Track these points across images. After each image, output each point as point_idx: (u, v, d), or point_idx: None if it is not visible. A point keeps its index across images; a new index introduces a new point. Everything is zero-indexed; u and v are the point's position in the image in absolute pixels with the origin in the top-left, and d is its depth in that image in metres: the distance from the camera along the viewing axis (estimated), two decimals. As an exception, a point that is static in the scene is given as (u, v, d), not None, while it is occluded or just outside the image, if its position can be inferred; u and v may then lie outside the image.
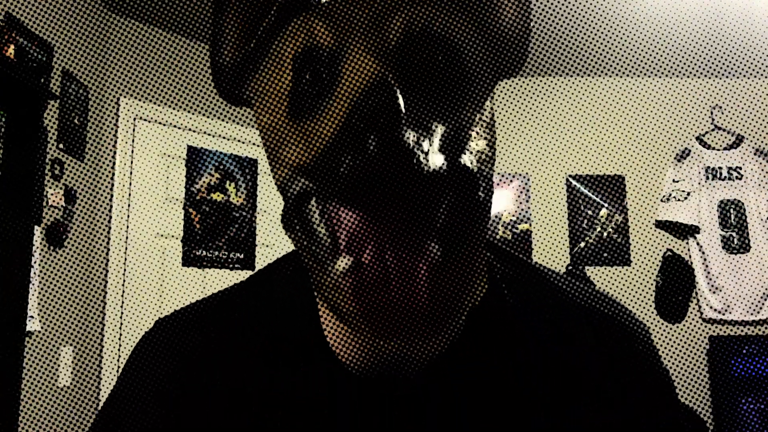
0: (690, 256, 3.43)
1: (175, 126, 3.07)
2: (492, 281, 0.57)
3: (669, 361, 3.32)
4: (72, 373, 2.53)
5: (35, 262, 2.22)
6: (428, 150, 0.42)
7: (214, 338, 0.56)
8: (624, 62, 3.41)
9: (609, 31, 3.01)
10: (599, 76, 3.57)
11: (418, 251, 0.44)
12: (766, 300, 3.35)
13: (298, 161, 0.47)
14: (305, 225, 0.47)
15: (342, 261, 0.44)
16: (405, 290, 0.43)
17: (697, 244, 3.42)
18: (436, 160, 0.43)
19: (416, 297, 0.43)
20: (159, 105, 3.01)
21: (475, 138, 0.48)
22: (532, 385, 0.53)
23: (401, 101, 0.41)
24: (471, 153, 0.47)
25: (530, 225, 3.50)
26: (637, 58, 3.35)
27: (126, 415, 0.56)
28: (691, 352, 3.34)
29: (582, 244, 3.48)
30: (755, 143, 3.45)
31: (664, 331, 3.36)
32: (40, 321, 2.30)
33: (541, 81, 3.56)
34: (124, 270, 2.83)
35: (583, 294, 0.59)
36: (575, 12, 2.65)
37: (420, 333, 0.44)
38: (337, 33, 0.48)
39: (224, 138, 3.21)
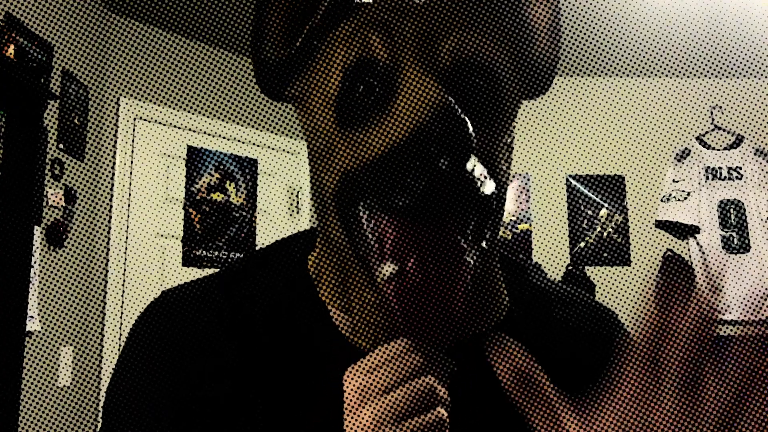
0: (690, 256, 3.43)
1: (175, 126, 3.07)
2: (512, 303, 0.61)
3: (669, 361, 3.33)
4: (72, 373, 2.53)
5: (35, 262, 2.22)
6: (484, 176, 0.47)
7: (218, 315, 0.57)
8: (624, 62, 3.41)
9: (609, 31, 3.01)
10: (599, 76, 3.57)
11: (459, 263, 0.47)
12: (766, 300, 3.34)
13: (349, 167, 0.50)
14: (353, 226, 0.50)
15: (388, 266, 0.47)
16: (447, 297, 0.47)
17: (697, 244, 3.42)
18: (489, 188, 0.48)
19: (454, 303, 0.47)
20: (159, 105, 3.01)
21: (501, 161, 0.53)
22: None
23: (471, 128, 0.44)
24: (501, 180, 0.52)
25: (530, 225, 3.50)
26: (637, 58, 3.35)
27: (128, 390, 0.56)
28: (691, 352, 3.34)
29: (582, 244, 3.48)
30: (755, 143, 3.44)
31: (664, 331, 3.36)
32: (40, 321, 2.30)
33: (541, 81, 3.56)
34: (124, 270, 2.83)
35: (572, 294, 0.65)
36: (575, 12, 2.65)
37: (453, 336, 0.48)
38: (392, 48, 0.50)
39: (224, 138, 3.21)
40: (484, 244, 0.51)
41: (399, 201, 0.46)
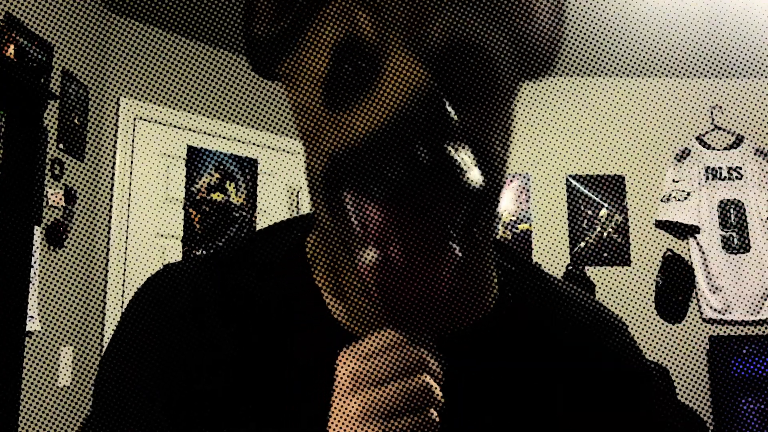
0: (690, 256, 3.43)
1: (175, 126, 3.07)
2: (498, 278, 0.59)
3: (669, 361, 3.32)
4: (72, 373, 2.53)
5: (35, 262, 2.22)
6: (470, 166, 0.45)
7: (214, 296, 0.57)
8: (624, 62, 3.41)
9: (609, 31, 3.01)
10: (599, 76, 3.57)
11: (443, 251, 0.46)
12: (766, 300, 3.34)
13: (333, 150, 0.49)
14: (338, 210, 0.49)
15: (370, 252, 0.46)
16: (428, 285, 0.45)
17: (697, 244, 3.42)
18: (476, 177, 0.45)
19: (438, 292, 0.46)
20: (159, 105, 3.01)
21: (495, 146, 0.51)
22: (530, 374, 0.55)
23: (453, 115, 0.43)
24: (495, 166, 0.50)
25: (530, 225, 3.50)
26: (637, 58, 3.35)
27: (120, 370, 0.56)
28: (691, 352, 3.34)
29: (582, 244, 3.48)
30: (755, 143, 3.44)
31: (664, 331, 3.36)
32: (40, 321, 2.31)
33: (541, 81, 3.56)
34: (124, 270, 2.83)
35: (575, 291, 0.62)
36: (575, 12, 2.65)
37: (435, 325, 0.47)
38: (380, 27, 0.48)
39: (224, 138, 3.21)
40: (475, 232, 0.49)
41: (378, 190, 0.45)
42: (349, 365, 0.47)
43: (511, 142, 0.53)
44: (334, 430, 0.46)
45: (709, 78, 3.55)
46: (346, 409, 0.46)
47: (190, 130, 3.11)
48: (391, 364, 0.46)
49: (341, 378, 0.47)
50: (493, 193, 0.50)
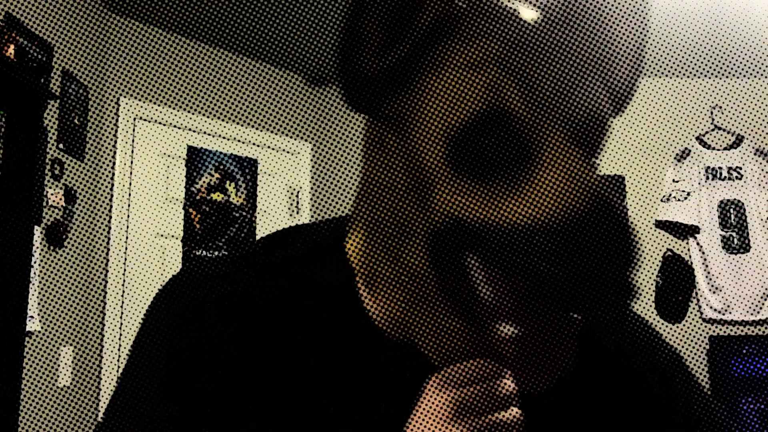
0: (690, 256, 3.43)
1: (175, 126, 3.07)
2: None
3: (669, 361, 3.32)
4: (72, 373, 2.53)
5: (35, 262, 2.22)
6: (637, 288, 0.47)
7: (231, 295, 0.56)
8: (624, 62, 3.40)
9: (609, 31, 3.01)
10: (599, 76, 3.56)
11: (571, 324, 0.48)
12: (766, 300, 3.34)
13: (460, 216, 0.48)
14: (454, 272, 0.49)
15: (507, 328, 0.48)
16: (558, 355, 0.48)
17: (697, 244, 3.42)
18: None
19: (564, 364, 0.48)
20: (159, 105, 3.01)
21: None
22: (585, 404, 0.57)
23: (630, 225, 0.44)
24: None
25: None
26: (637, 58, 3.34)
27: (144, 374, 0.56)
28: (691, 352, 3.34)
29: (582, 244, 3.48)
30: (755, 143, 3.44)
31: (664, 331, 3.35)
32: (40, 321, 2.30)
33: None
34: (124, 270, 2.83)
35: (629, 347, 0.63)
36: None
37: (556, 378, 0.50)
38: (531, 104, 0.46)
39: (224, 138, 3.21)
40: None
41: (530, 278, 0.45)
42: (445, 393, 0.48)
43: None
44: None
45: (709, 78, 3.55)
46: None
47: (190, 130, 3.11)
48: (488, 395, 0.48)
49: (438, 406, 0.48)
50: None
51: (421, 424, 0.48)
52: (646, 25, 0.52)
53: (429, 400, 0.48)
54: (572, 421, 0.56)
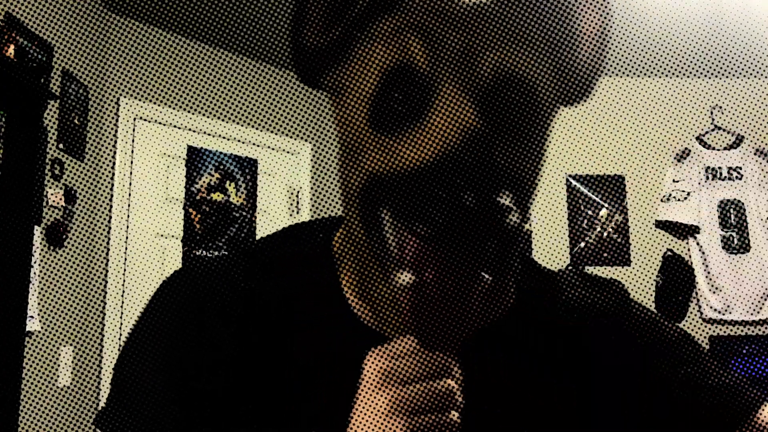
0: (690, 256, 3.43)
1: (175, 126, 3.07)
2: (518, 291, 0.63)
3: (669, 361, 3.32)
4: (72, 373, 2.53)
5: (35, 262, 2.22)
6: (511, 208, 0.47)
7: (239, 293, 0.58)
8: (624, 62, 3.41)
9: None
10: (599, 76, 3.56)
11: (475, 280, 0.48)
12: (766, 300, 3.34)
13: (376, 171, 0.51)
14: (376, 229, 0.51)
15: (405, 275, 0.48)
16: (459, 310, 0.48)
17: (697, 244, 3.42)
18: (515, 219, 0.47)
19: (467, 316, 0.48)
20: (159, 105, 3.01)
21: (533, 177, 0.53)
22: (534, 364, 0.58)
23: (499, 159, 0.45)
24: (530, 201, 0.52)
25: (530, 225, 3.50)
26: (637, 58, 3.34)
27: (141, 365, 0.57)
28: (691, 352, 3.34)
29: (582, 244, 3.48)
30: (755, 143, 3.44)
31: (664, 331, 3.35)
32: (40, 321, 2.30)
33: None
34: (124, 270, 2.83)
35: (581, 297, 0.65)
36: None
37: (461, 341, 0.49)
38: (433, 59, 0.49)
39: (224, 138, 3.21)
40: (506, 262, 0.51)
41: (421, 227, 0.46)
42: (378, 363, 0.49)
43: (542, 167, 0.55)
44: (359, 422, 0.48)
45: (709, 78, 3.55)
46: (373, 402, 0.48)
47: (190, 130, 3.11)
48: (418, 366, 0.48)
49: (370, 374, 0.49)
50: (526, 238, 0.52)
51: (362, 418, 0.48)
52: (581, 3, 0.55)
53: (368, 391, 0.49)
54: (523, 385, 0.57)
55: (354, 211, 0.54)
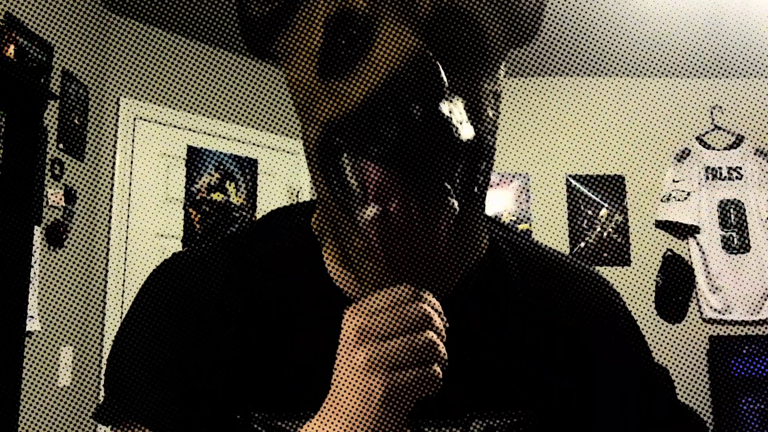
0: (690, 256, 3.43)
1: (175, 126, 3.07)
2: (492, 241, 0.63)
3: (669, 361, 3.32)
4: (72, 373, 2.53)
5: (35, 262, 2.22)
6: (461, 121, 0.47)
7: (225, 274, 0.59)
8: (624, 62, 3.41)
9: (609, 31, 3.01)
10: (599, 76, 3.57)
11: (440, 205, 0.48)
12: (766, 300, 3.34)
13: (329, 118, 0.51)
14: (337, 176, 0.51)
15: (370, 209, 0.48)
16: (428, 238, 0.47)
17: (697, 244, 3.42)
18: (468, 132, 0.47)
19: (437, 244, 0.48)
20: (159, 105, 3.01)
21: (486, 107, 0.53)
22: (521, 322, 0.59)
23: (444, 75, 0.45)
24: (486, 123, 0.52)
25: (530, 225, 3.50)
26: (637, 58, 3.34)
27: (135, 347, 0.58)
28: (691, 352, 3.34)
29: (582, 244, 3.48)
30: (755, 143, 3.44)
31: (664, 331, 3.36)
32: (40, 321, 2.30)
33: (541, 81, 3.56)
34: (124, 270, 2.83)
35: (564, 256, 0.69)
36: (575, 12, 2.65)
37: (434, 276, 0.49)
38: (372, 0, 0.50)
39: (224, 138, 3.20)
40: (475, 189, 0.52)
41: (375, 149, 0.46)
42: (355, 320, 0.48)
43: (500, 105, 0.55)
44: (339, 380, 0.48)
45: (709, 78, 3.55)
46: (351, 360, 0.47)
47: (190, 130, 3.11)
48: (396, 320, 0.47)
49: (347, 332, 0.48)
50: (487, 150, 0.52)
51: (341, 377, 0.48)
52: None
53: (346, 349, 0.48)
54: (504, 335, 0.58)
55: (315, 166, 0.54)
